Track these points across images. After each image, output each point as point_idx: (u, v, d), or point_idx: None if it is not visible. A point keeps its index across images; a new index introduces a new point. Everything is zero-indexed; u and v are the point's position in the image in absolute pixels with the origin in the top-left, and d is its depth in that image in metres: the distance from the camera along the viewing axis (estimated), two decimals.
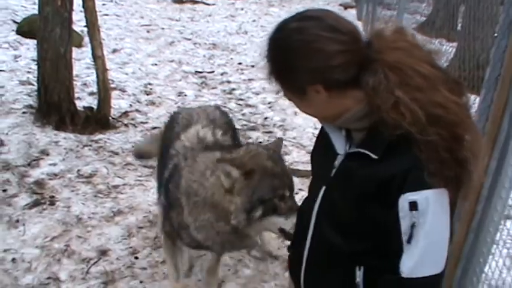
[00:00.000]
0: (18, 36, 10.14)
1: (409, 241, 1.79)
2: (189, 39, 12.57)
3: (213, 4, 17.89)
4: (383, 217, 1.83)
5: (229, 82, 9.63)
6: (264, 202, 2.90)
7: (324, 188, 2.03)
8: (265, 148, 3.26)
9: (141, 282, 4.16)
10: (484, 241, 3.31)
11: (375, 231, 1.87)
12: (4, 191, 5.18)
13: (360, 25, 16.52)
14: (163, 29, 13.36)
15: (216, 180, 3.03)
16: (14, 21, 11.03)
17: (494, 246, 3.38)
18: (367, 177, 1.83)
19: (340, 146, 1.98)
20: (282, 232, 2.98)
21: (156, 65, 10.12)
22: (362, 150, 1.86)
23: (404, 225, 1.78)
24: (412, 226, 1.77)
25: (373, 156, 1.82)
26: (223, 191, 2.97)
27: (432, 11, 13.64)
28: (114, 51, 10.48)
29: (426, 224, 1.77)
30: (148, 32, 12.78)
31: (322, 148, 2.13)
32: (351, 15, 18.74)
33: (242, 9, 17.77)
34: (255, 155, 3.06)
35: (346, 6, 20.28)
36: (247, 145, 3.48)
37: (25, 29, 10.06)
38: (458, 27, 10.21)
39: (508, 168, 3.00)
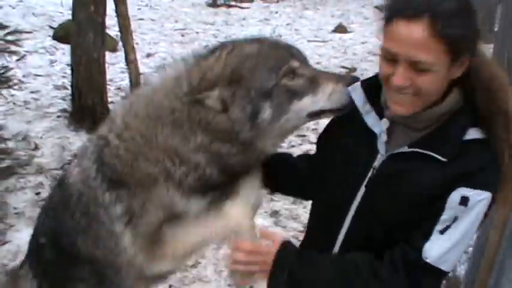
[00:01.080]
0: (54, 42, 10.35)
1: (442, 232, 1.80)
2: None
3: (248, 8, 17.96)
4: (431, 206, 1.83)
5: None
6: (268, 94, 2.08)
7: (363, 189, 1.97)
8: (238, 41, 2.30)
9: (170, 286, 4.16)
10: None
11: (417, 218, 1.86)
12: (37, 194, 5.24)
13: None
14: (197, 33, 13.49)
15: (194, 108, 2.14)
16: (51, 27, 11.24)
17: None
18: (429, 181, 1.82)
19: (382, 145, 1.96)
20: (320, 114, 2.17)
21: None
22: (425, 152, 1.84)
23: (446, 216, 1.79)
24: (454, 219, 1.79)
25: (441, 158, 1.82)
26: (214, 116, 2.12)
27: None
28: (149, 55, 10.60)
29: (466, 222, 1.80)
30: (182, 36, 12.91)
31: (345, 144, 2.07)
32: None
33: (276, 12, 17.79)
34: (229, 52, 2.16)
35: (381, 9, 20.07)
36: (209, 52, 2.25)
37: (61, 34, 10.27)
38: (495, 29, 10.02)
39: None
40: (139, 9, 15.58)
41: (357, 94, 2.05)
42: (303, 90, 2.09)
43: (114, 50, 9.88)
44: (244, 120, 2.09)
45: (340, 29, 15.46)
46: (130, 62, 6.78)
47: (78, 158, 2.41)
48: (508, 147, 1.83)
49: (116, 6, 6.56)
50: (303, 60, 2.19)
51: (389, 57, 1.81)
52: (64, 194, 2.38)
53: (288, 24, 16.06)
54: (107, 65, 6.97)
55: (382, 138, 1.96)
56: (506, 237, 3.29)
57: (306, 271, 1.95)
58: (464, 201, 1.78)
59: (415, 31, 1.73)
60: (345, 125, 2.12)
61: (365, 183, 1.96)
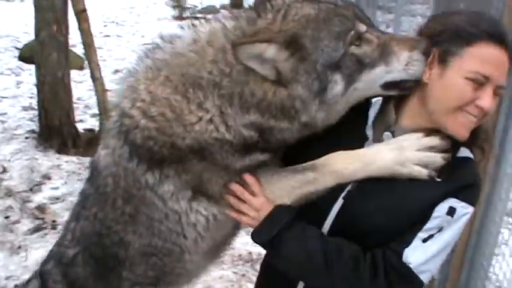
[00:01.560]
0: (20, 63, 10.28)
1: (425, 240, 1.84)
2: None
3: None
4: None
5: None
6: (337, 65, 1.86)
7: (341, 201, 1.97)
8: None
9: None
10: (486, 244, 3.27)
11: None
12: (6, 217, 5.19)
13: None
14: None
15: (245, 76, 1.90)
16: (16, 48, 11.13)
17: (497, 247, 3.35)
18: (423, 195, 1.86)
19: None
20: (397, 85, 1.95)
21: None
22: None
23: (432, 224, 1.84)
24: (440, 229, 1.84)
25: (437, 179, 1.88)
26: (268, 86, 1.90)
27: (433, 12, 13.63)
28: (116, 71, 10.54)
29: (449, 233, 1.86)
30: None
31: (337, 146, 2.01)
32: None
33: None
34: (284, 15, 1.89)
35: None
36: (260, 4, 1.98)
37: (27, 54, 10.18)
38: None
39: (507, 167, 2.98)
40: (105, 25, 15.53)
41: (375, 109, 2.05)
42: (375, 58, 1.89)
43: (81, 68, 9.83)
44: (310, 98, 1.88)
45: None
46: (96, 79, 6.74)
47: (103, 138, 2.19)
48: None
49: (79, 24, 6.53)
50: (368, 21, 1.95)
51: (478, 81, 1.80)
52: (98, 183, 2.18)
53: None
54: (74, 84, 6.94)
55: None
56: (474, 232, 3.35)
57: (294, 235, 1.93)
58: (451, 212, 1.83)
59: (504, 57, 1.81)
60: (337, 134, 2.04)
61: (343, 195, 1.96)
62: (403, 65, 1.89)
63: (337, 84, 1.86)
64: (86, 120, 7.74)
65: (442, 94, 1.85)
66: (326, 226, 1.98)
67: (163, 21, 16.96)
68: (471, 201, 1.87)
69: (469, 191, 1.88)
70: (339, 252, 1.88)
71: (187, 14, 17.63)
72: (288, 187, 1.99)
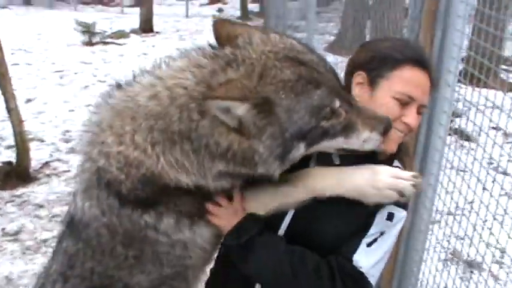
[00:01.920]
0: None
1: (370, 244, 2.00)
2: (104, 81, 12.41)
3: (124, 44, 17.81)
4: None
5: None
6: (304, 135, 1.89)
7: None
8: (271, 40, 1.96)
9: None
10: (415, 250, 3.44)
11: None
12: None
13: None
14: (76, 73, 13.21)
15: (210, 129, 1.87)
16: None
17: (426, 253, 3.52)
18: (365, 206, 2.00)
19: None
20: (345, 151, 2.05)
21: (73, 111, 9.98)
22: None
23: (374, 230, 2.02)
24: (381, 233, 2.02)
25: None
26: (233, 137, 1.88)
27: (340, 30, 14.09)
28: (28, 100, 10.27)
29: (390, 236, 2.05)
30: (61, 78, 12.62)
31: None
32: None
33: (154, 46, 17.76)
34: (261, 74, 1.84)
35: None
36: (235, 47, 1.93)
37: None
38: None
39: (430, 177, 3.16)
40: (12, 53, 15.03)
41: None
42: (338, 131, 1.93)
43: None
44: (270, 159, 1.90)
45: None
46: (11, 110, 6.57)
47: (81, 192, 2.08)
48: None
49: None
50: (342, 91, 1.99)
51: (404, 101, 2.05)
52: (88, 237, 2.09)
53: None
54: None
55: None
56: (403, 239, 3.51)
57: (263, 243, 2.03)
58: (390, 217, 2.03)
59: (427, 79, 2.08)
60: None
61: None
62: (361, 141, 1.98)
63: (299, 150, 1.91)
64: (1, 152, 7.49)
65: None
66: (280, 232, 2.10)
67: (73, 47, 16.64)
68: (405, 206, 2.08)
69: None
70: (303, 262, 1.98)
71: (97, 39, 17.33)
72: (265, 199, 2.09)
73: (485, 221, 2.90)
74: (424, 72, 2.07)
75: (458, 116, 4.86)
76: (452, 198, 3.24)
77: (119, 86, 2.08)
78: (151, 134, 1.92)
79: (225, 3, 30.40)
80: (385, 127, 1.96)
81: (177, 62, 2.01)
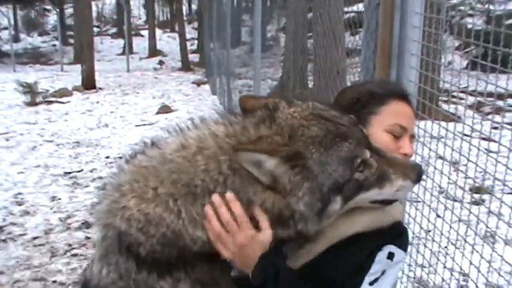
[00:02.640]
0: None
1: (372, 283, 1.98)
2: (51, 141, 12.35)
3: (68, 102, 17.74)
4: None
5: (100, 178, 9.41)
6: (341, 189, 1.89)
7: None
8: (295, 103, 2.01)
9: None
10: None
11: None
12: None
13: (215, 99, 17.09)
14: (22, 134, 13.02)
15: (241, 185, 1.88)
16: None
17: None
18: (365, 247, 2.02)
19: None
20: (377, 203, 2.05)
21: (22, 172, 9.82)
22: None
23: (375, 269, 1.98)
24: (383, 272, 1.99)
25: None
26: (268, 194, 1.88)
27: (282, 74, 14.42)
28: None
29: (390, 276, 2.03)
30: (7, 140, 12.42)
31: None
32: (205, 91, 19.35)
33: (97, 102, 17.78)
34: (293, 129, 1.89)
35: (198, 83, 20.97)
36: (264, 109, 1.99)
37: None
38: (310, 85, 10.82)
39: None
40: None
41: None
42: (372, 182, 1.94)
43: None
44: (311, 216, 1.88)
45: (165, 108, 15.85)
46: None
47: (99, 258, 2.05)
48: None
49: None
50: (369, 142, 1.98)
51: (397, 133, 2.15)
52: None
53: (111, 112, 16.15)
54: None
55: None
56: None
57: (289, 276, 1.96)
58: (390, 256, 2.00)
59: (411, 110, 2.23)
60: None
61: None
62: (394, 190, 1.97)
63: (337, 204, 1.89)
64: None
65: None
66: None
67: (16, 108, 16.46)
68: (405, 248, 2.09)
69: (402, 238, 2.10)
70: None
71: (40, 98, 17.23)
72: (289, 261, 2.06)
73: (446, 247, 3.04)
74: (408, 103, 2.23)
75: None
76: (410, 229, 3.38)
77: (141, 151, 2.07)
78: (174, 187, 1.90)
79: (164, 56, 30.66)
80: (417, 173, 2.00)
81: (206, 121, 2.05)
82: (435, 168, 3.07)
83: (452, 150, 2.81)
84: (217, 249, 1.95)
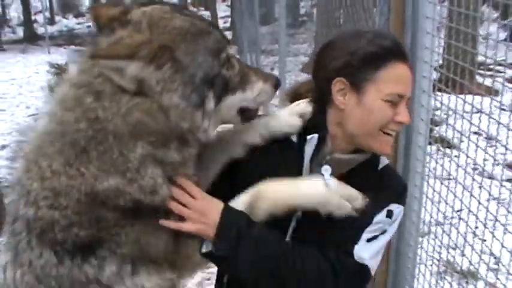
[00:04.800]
0: None
1: (369, 240, 2.05)
2: None
3: None
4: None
5: None
6: (212, 82, 1.83)
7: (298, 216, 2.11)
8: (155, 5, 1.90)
9: None
10: (406, 267, 3.31)
11: None
12: None
13: None
14: None
15: (109, 100, 1.77)
16: None
17: (417, 269, 3.39)
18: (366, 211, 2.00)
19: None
20: (243, 113, 2.05)
21: None
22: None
23: (374, 227, 2.06)
24: (383, 232, 2.08)
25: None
26: (130, 98, 1.76)
27: (314, 50, 14.14)
28: (3, 147, 10.27)
29: (389, 233, 2.12)
30: (36, 121, 12.42)
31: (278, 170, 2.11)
32: None
33: None
34: (151, 25, 1.78)
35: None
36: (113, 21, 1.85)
37: None
38: None
39: (414, 189, 3.05)
40: None
41: (311, 145, 2.11)
42: (236, 84, 1.95)
43: None
44: (189, 109, 1.80)
45: None
46: None
47: (11, 262, 1.88)
48: None
49: None
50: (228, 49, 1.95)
51: (395, 100, 2.00)
52: None
53: None
54: None
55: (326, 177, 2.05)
56: (392, 259, 3.39)
57: (255, 234, 1.94)
58: (390, 214, 2.08)
59: (408, 70, 2.05)
60: (274, 161, 2.17)
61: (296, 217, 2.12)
62: (255, 94, 2.01)
63: (210, 101, 1.85)
64: None
65: (364, 119, 2.03)
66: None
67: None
68: (403, 202, 2.18)
69: (400, 194, 2.18)
70: (303, 259, 1.98)
71: None
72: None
73: (476, 228, 2.79)
74: (405, 63, 2.03)
75: (438, 124, 4.80)
76: (438, 209, 3.13)
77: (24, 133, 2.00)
78: (63, 155, 1.80)
79: None
80: (275, 80, 2.05)
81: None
82: (469, 142, 2.78)
83: (489, 124, 2.51)
84: (182, 228, 1.91)
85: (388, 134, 2.06)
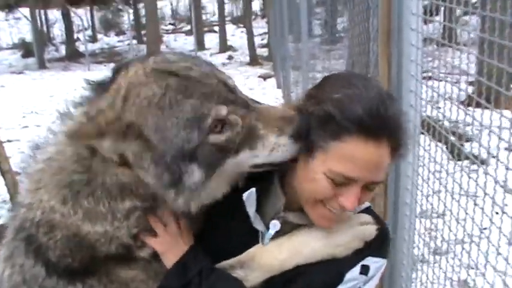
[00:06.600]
0: None
1: None
2: None
3: None
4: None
5: None
6: (192, 156, 1.63)
7: None
8: (146, 61, 1.73)
9: None
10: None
11: None
12: None
13: (279, 92, 16.92)
14: None
15: (100, 160, 1.74)
16: None
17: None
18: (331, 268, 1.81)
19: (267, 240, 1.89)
20: (266, 166, 1.76)
21: None
22: None
23: (346, 286, 1.76)
24: None
25: None
26: (115, 166, 1.72)
27: (346, 66, 14.01)
28: None
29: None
30: None
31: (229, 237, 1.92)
32: (270, 85, 19.20)
33: None
34: (130, 89, 1.65)
35: (265, 77, 20.84)
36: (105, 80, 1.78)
37: None
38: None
39: (405, 209, 3.01)
40: (24, 117, 15.37)
41: (251, 203, 1.82)
42: (239, 143, 1.66)
43: None
44: (162, 189, 1.68)
45: None
46: (5, 172, 6.61)
47: (3, 259, 1.95)
48: None
49: None
50: (231, 95, 1.68)
51: (339, 181, 1.63)
52: None
53: None
54: None
55: (267, 236, 1.87)
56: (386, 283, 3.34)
57: (214, 277, 1.79)
58: (365, 270, 1.77)
59: (382, 154, 1.61)
60: (226, 231, 1.93)
61: None
62: (268, 150, 1.68)
63: (194, 173, 1.64)
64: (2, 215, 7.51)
65: (304, 184, 1.72)
66: None
67: None
68: (383, 253, 1.83)
69: (378, 244, 1.81)
70: None
71: None
72: None
73: (499, 247, 2.66)
74: (378, 143, 1.58)
75: (469, 140, 4.73)
76: (463, 227, 2.99)
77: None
78: (59, 192, 1.81)
79: (234, 51, 30.72)
80: (294, 129, 1.66)
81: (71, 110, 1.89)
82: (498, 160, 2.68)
83: None
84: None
85: (331, 208, 1.71)
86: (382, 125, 1.59)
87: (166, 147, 1.61)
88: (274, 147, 1.68)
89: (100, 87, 1.75)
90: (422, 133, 2.96)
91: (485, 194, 2.60)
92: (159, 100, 1.61)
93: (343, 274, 1.76)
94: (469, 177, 2.82)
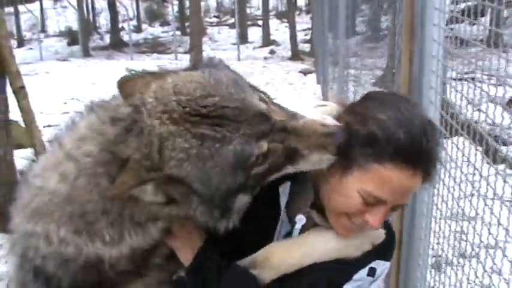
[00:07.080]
0: None
1: None
2: None
3: None
4: None
5: None
6: (238, 190, 1.62)
7: None
8: (164, 92, 1.59)
9: None
10: None
11: None
12: None
13: (319, 88, 16.86)
14: None
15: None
16: None
17: None
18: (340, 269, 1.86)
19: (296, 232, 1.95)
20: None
21: None
22: None
23: (352, 286, 1.83)
24: None
25: None
26: (162, 207, 1.65)
27: (387, 63, 13.91)
28: None
29: None
30: None
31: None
32: (310, 80, 19.13)
33: None
34: (160, 134, 1.53)
35: (305, 73, 20.78)
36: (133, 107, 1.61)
37: None
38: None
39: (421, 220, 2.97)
40: (65, 103, 15.63)
41: (285, 194, 1.88)
42: (280, 163, 1.65)
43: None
44: (211, 222, 1.66)
45: None
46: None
47: (12, 279, 1.94)
48: None
49: (18, 101, 6.53)
50: (268, 123, 1.60)
51: (370, 200, 1.70)
52: None
53: None
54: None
55: (295, 232, 1.92)
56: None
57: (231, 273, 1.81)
58: (372, 272, 1.85)
59: (415, 181, 1.69)
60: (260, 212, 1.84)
61: None
62: (311, 164, 1.67)
63: (242, 198, 1.63)
64: None
65: (335, 195, 1.77)
66: None
67: None
68: (387, 257, 1.93)
69: (385, 247, 1.92)
70: None
71: None
72: None
73: None
74: (415, 172, 1.66)
75: (506, 143, 4.61)
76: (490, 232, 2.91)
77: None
78: (72, 223, 1.70)
79: (277, 45, 30.73)
80: (337, 147, 1.64)
81: (80, 128, 1.75)
82: None
83: None
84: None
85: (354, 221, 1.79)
86: (422, 155, 1.67)
87: (213, 193, 1.58)
88: (317, 163, 1.67)
89: (113, 119, 1.65)
90: (461, 134, 2.87)
91: None
92: (197, 151, 1.53)
93: (351, 274, 1.84)
94: (505, 182, 2.74)
